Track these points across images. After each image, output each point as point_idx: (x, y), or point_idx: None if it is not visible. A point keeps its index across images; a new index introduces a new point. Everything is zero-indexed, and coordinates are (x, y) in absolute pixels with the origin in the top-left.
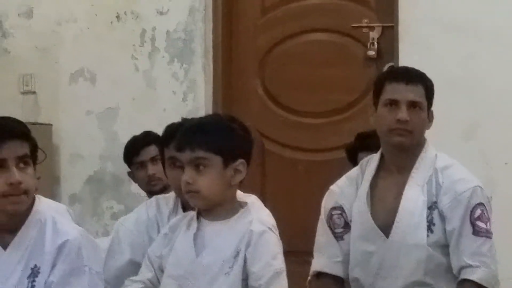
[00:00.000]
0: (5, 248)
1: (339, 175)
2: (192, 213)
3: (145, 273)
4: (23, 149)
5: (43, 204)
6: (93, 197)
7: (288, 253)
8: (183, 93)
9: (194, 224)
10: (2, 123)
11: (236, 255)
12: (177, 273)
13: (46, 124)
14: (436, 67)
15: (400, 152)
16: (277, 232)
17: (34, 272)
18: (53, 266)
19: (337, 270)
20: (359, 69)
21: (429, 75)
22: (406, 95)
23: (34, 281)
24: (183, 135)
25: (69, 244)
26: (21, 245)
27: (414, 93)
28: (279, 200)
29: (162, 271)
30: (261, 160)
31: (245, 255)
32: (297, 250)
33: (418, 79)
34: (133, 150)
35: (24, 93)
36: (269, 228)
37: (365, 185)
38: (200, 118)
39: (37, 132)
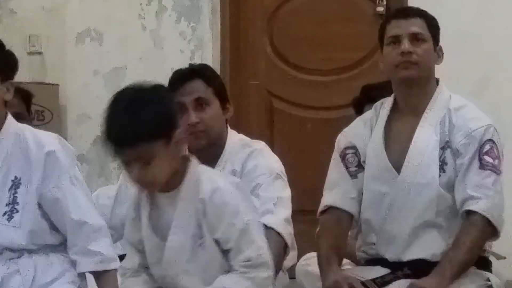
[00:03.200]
0: None
1: None
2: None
3: (133, 258)
4: None
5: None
6: (100, 157)
7: (296, 212)
8: (191, 52)
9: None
10: None
11: (199, 225)
12: (155, 260)
13: (53, 85)
14: (447, 22)
15: (410, 88)
16: (285, 178)
17: (16, 184)
18: (45, 177)
19: (349, 206)
20: (368, 26)
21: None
22: (406, 29)
23: (16, 192)
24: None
25: (54, 156)
26: None
27: (414, 25)
28: (287, 158)
29: None
30: (269, 118)
31: (206, 223)
32: (305, 209)
33: (417, 13)
34: None
35: (31, 53)
36: (277, 173)
37: (380, 126)
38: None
39: (44, 93)
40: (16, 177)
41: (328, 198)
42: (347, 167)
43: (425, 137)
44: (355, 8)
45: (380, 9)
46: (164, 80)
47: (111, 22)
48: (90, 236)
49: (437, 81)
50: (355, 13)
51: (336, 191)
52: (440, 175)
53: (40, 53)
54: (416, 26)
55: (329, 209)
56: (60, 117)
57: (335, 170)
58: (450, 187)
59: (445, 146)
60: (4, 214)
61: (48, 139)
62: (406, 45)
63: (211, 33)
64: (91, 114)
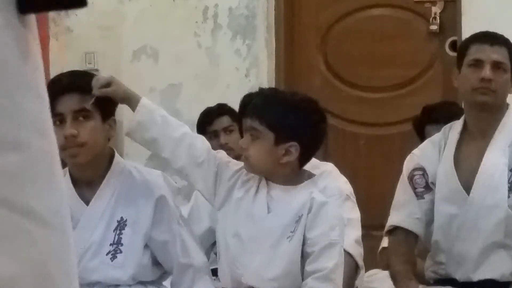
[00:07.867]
0: (87, 203)
1: (401, 149)
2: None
3: None
4: (81, 103)
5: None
6: None
7: None
8: (246, 69)
9: (264, 186)
10: (61, 77)
11: (298, 220)
12: (245, 234)
13: None
14: None
15: (482, 113)
16: (354, 199)
17: (121, 225)
18: (155, 221)
19: (414, 226)
20: (421, 44)
21: None
22: (490, 55)
23: (121, 233)
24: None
25: (164, 200)
26: (104, 198)
27: (498, 54)
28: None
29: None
30: None
31: (306, 221)
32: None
33: (502, 41)
34: (207, 120)
35: (87, 71)
36: (346, 195)
37: (450, 148)
38: (272, 91)
39: None
40: (122, 218)
41: (395, 218)
42: (414, 188)
43: (495, 160)
44: (408, 26)
45: (434, 27)
46: (220, 97)
47: (167, 40)
48: (194, 277)
49: (507, 105)
50: (409, 31)
51: (402, 212)
52: (509, 197)
53: (96, 70)
54: (500, 55)
55: (395, 229)
56: (117, 133)
57: (402, 191)
58: None
59: None
60: (107, 254)
61: (155, 180)
62: (487, 72)
63: (266, 51)
64: None
